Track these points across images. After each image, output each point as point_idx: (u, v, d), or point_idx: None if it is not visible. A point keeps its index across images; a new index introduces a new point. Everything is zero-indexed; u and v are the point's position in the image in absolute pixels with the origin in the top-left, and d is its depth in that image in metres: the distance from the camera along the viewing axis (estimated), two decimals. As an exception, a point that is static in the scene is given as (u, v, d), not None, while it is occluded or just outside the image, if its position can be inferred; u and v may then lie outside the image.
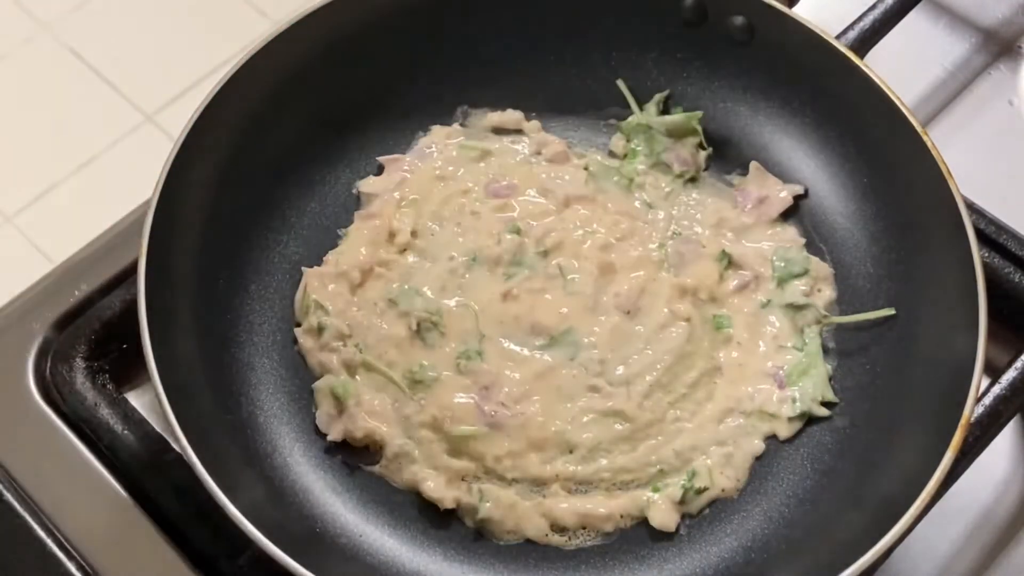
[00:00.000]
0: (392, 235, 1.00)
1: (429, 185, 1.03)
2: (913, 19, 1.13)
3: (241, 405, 0.92)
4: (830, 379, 0.94)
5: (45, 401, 0.95)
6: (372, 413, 0.92)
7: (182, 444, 0.80)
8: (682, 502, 0.89)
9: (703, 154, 1.05)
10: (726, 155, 1.05)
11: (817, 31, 0.97)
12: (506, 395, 0.92)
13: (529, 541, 0.89)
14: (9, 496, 0.90)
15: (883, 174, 0.98)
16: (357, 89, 1.04)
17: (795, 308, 0.97)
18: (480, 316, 0.96)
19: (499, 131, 1.07)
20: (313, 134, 1.03)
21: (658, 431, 0.92)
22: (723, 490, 0.90)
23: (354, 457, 0.92)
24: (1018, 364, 0.93)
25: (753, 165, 1.03)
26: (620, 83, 1.07)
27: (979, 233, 0.94)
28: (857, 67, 0.95)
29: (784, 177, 1.03)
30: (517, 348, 0.95)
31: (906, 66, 1.18)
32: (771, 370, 0.95)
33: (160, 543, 0.88)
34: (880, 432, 0.89)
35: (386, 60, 1.04)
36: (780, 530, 0.88)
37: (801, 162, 1.03)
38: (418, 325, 0.95)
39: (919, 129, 0.92)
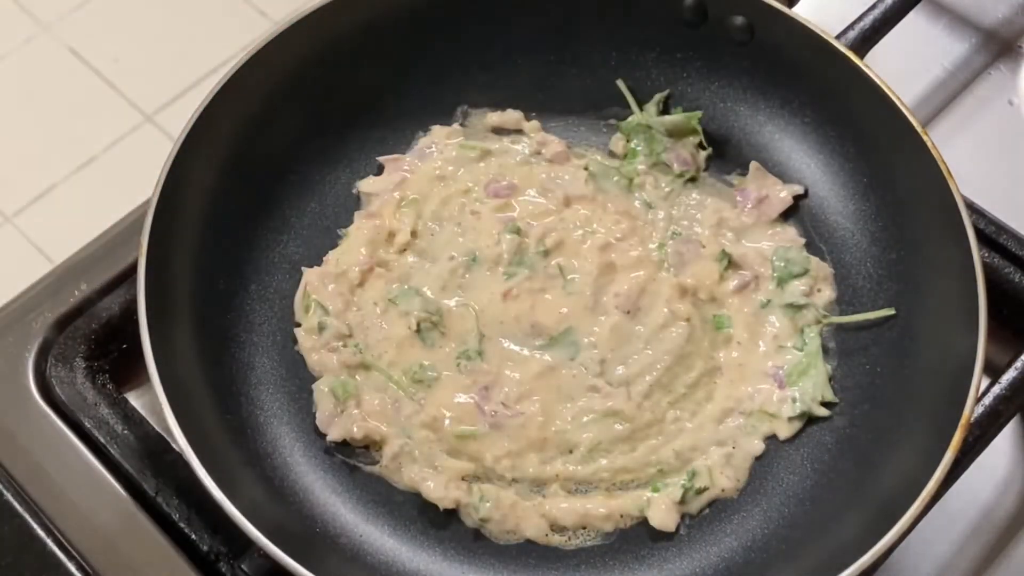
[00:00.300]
0: (392, 235, 1.00)
1: (429, 185, 1.03)
2: (913, 19, 1.13)
3: (241, 405, 0.92)
4: (830, 379, 0.94)
5: (45, 401, 0.95)
6: (372, 413, 0.92)
7: (182, 444, 0.80)
8: (682, 502, 0.89)
9: (703, 154, 1.05)
10: (726, 155, 1.05)
11: (817, 31, 0.97)
12: (506, 395, 0.92)
13: (529, 541, 0.89)
14: (9, 496, 0.90)
15: (883, 174, 0.97)
16: (357, 89, 1.04)
17: (795, 308, 0.97)
18: (480, 316, 0.96)
19: (499, 131, 1.07)
20: (313, 134, 1.03)
21: (658, 431, 0.92)
22: (723, 490, 0.90)
23: (354, 457, 0.92)
24: (1018, 364, 0.93)
25: (753, 165, 1.03)
26: (620, 83, 1.07)
27: (979, 233, 0.94)
28: (857, 67, 0.95)
29: (784, 177, 1.03)
30: (517, 348, 0.95)
31: (906, 66, 1.18)
32: (771, 370, 0.95)
33: (160, 543, 0.88)
34: (880, 432, 0.89)
35: (386, 60, 1.04)
36: (780, 530, 0.88)
37: (801, 162, 1.03)
38: (418, 325, 0.95)
39: (919, 129, 0.92)
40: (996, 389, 0.92)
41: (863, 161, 0.99)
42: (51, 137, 2.43)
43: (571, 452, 0.91)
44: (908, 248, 0.95)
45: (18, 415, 0.94)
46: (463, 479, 0.90)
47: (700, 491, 0.90)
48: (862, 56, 1.05)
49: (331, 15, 1.00)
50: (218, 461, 0.82)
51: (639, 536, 0.89)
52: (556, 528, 0.89)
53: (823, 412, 0.92)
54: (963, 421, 0.80)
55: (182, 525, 0.89)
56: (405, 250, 1.00)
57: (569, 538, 0.89)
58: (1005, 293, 0.98)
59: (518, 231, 1.00)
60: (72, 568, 0.87)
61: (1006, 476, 0.97)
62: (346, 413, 0.92)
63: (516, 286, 0.97)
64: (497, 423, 0.91)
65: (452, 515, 0.90)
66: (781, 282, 0.98)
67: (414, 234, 1.00)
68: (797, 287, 0.98)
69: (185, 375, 0.87)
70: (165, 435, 0.93)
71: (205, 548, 0.88)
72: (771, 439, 0.93)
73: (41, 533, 0.88)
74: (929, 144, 0.91)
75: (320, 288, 0.97)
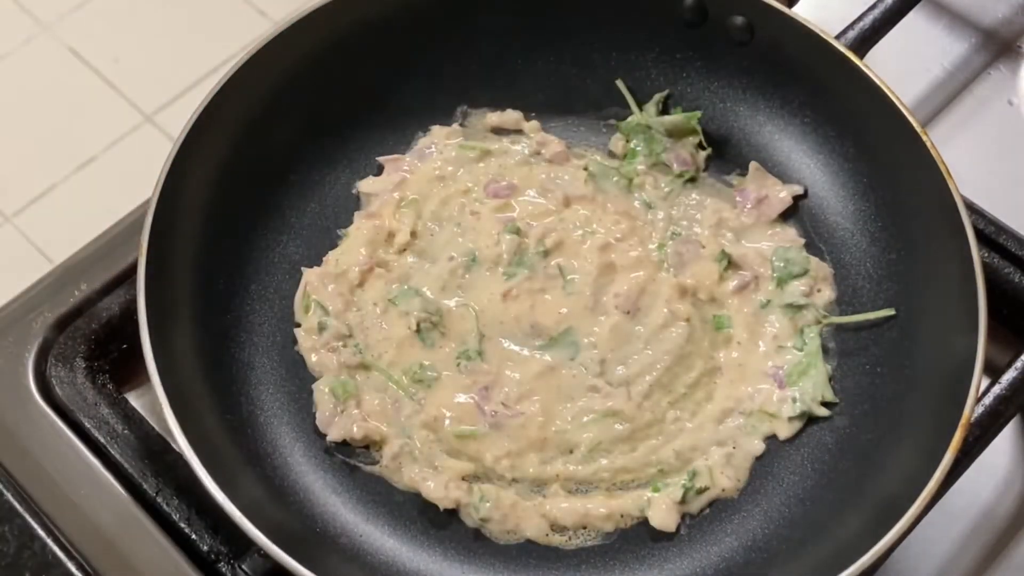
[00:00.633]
0: (392, 235, 1.00)
1: (429, 185, 1.03)
2: (913, 19, 1.13)
3: (241, 405, 0.92)
4: (830, 379, 0.94)
5: (45, 401, 0.95)
6: (372, 413, 0.92)
7: (182, 444, 0.80)
8: (682, 502, 0.89)
9: (703, 154, 1.05)
10: (726, 155, 1.05)
11: (817, 31, 0.97)
12: (506, 395, 0.92)
13: (529, 541, 0.89)
14: (9, 496, 0.90)
15: (883, 174, 0.97)
16: (357, 89, 1.04)
17: (795, 308, 0.97)
18: (480, 316, 0.96)
19: (499, 131, 1.07)
20: (313, 134, 1.03)
21: (658, 431, 0.92)
22: (723, 490, 0.90)
23: (354, 457, 0.92)
24: (1018, 364, 0.93)
25: (753, 165, 1.03)
26: (620, 83, 1.07)
27: (979, 233, 0.94)
28: (857, 67, 0.95)
29: (784, 177, 1.03)
30: (517, 348, 0.95)
31: (906, 66, 1.18)
32: (771, 370, 0.95)
33: (160, 543, 0.88)
34: (880, 432, 0.89)
35: (386, 60, 1.04)
36: (780, 530, 0.88)
37: (801, 162, 1.03)
38: (418, 325, 0.95)
39: (919, 129, 0.92)
40: (996, 389, 0.92)
41: (863, 161, 0.99)
42: (51, 137, 2.43)
43: (571, 452, 0.91)
44: (908, 248, 0.95)
45: (18, 415, 0.94)
46: (463, 479, 0.90)
47: (700, 491, 0.90)
48: (862, 56, 1.05)
49: (331, 15, 1.00)
50: (218, 461, 0.82)
51: (639, 536, 0.89)
52: (556, 528, 0.89)
53: (823, 412, 0.92)
54: (963, 421, 0.80)
55: (182, 525, 0.89)
56: (405, 250, 1.00)
57: (569, 538, 0.89)
58: (1005, 293, 0.98)
59: (518, 231, 1.00)
60: (72, 568, 0.87)
61: (1006, 476, 0.97)
62: (346, 413, 0.92)
63: (516, 286, 0.97)
64: (497, 423, 0.91)
65: (452, 515, 0.90)
66: (781, 282, 0.98)
67: (414, 234, 1.00)
68: (797, 287, 0.98)
69: (185, 375, 0.87)
70: (165, 435, 0.93)
71: (205, 548, 0.88)
72: (771, 439, 0.93)
73: (41, 533, 0.88)
74: (929, 144, 0.91)
75: (320, 288, 0.97)
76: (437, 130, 1.06)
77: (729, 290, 0.98)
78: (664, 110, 1.06)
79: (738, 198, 1.03)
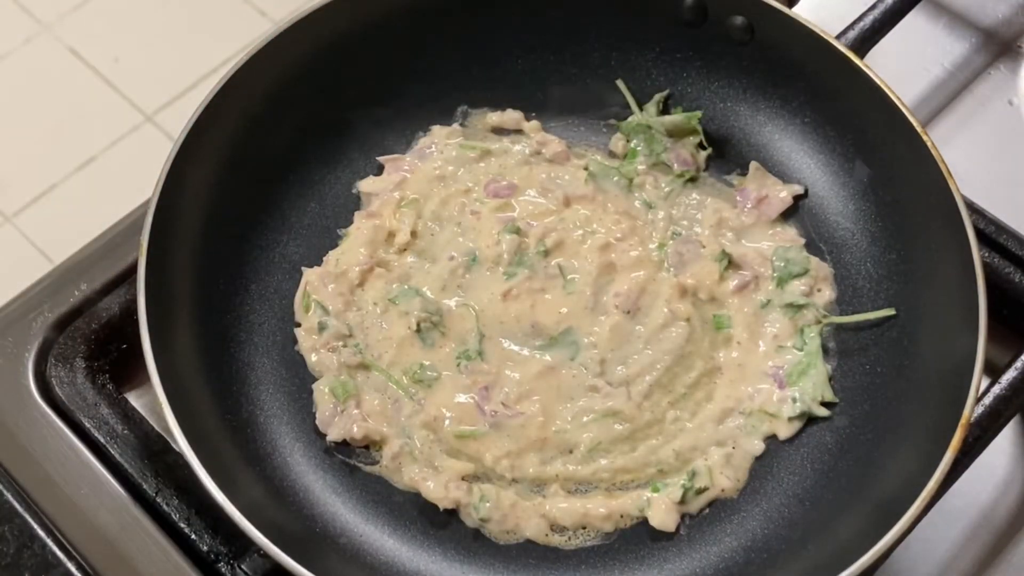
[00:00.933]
0: (392, 235, 1.00)
1: (429, 185, 1.03)
2: (913, 19, 1.13)
3: (241, 405, 0.92)
4: (830, 379, 0.94)
5: (45, 401, 0.95)
6: (372, 413, 0.92)
7: (182, 444, 0.80)
8: (682, 502, 0.89)
9: (703, 154, 1.05)
10: (726, 155, 1.05)
11: (817, 31, 0.97)
12: (506, 395, 0.92)
13: (529, 541, 0.89)
14: (9, 496, 0.90)
15: (883, 174, 0.97)
16: (357, 89, 1.04)
17: (795, 308, 0.97)
18: (480, 316, 0.96)
19: (499, 131, 1.07)
20: (313, 134, 1.03)
21: (658, 431, 0.92)
22: (723, 490, 0.90)
23: (354, 457, 0.92)
24: (1018, 364, 0.93)
25: (753, 165, 1.03)
26: (620, 83, 1.07)
27: (979, 233, 0.94)
28: (857, 67, 0.95)
29: (784, 177, 1.03)
30: (517, 348, 0.95)
31: (906, 66, 1.18)
32: (771, 370, 0.95)
33: (160, 543, 0.88)
34: (880, 432, 0.89)
35: (386, 60, 1.04)
36: (780, 530, 0.88)
37: (801, 162, 1.03)
38: (418, 325, 0.95)
39: (919, 129, 0.92)
40: (996, 389, 0.92)
41: (863, 161, 0.99)
42: (51, 137, 2.43)
43: (571, 452, 0.91)
44: (908, 248, 0.95)
45: (18, 415, 0.94)
46: (463, 479, 0.90)
47: (700, 491, 0.90)
48: (862, 56, 1.05)
49: (331, 15, 1.00)
50: (218, 461, 0.82)
51: (639, 536, 0.89)
52: (556, 528, 0.89)
53: (823, 412, 0.92)
54: (963, 421, 0.80)
55: (182, 525, 0.89)
56: (405, 250, 1.00)
57: (569, 538, 0.89)
58: (1005, 293, 0.98)
59: (518, 231, 1.00)
60: (72, 568, 0.87)
61: (1006, 476, 0.97)
62: (346, 413, 0.92)
63: (516, 286, 0.97)
64: (497, 423, 0.91)
65: (452, 515, 0.90)
66: (781, 282, 0.98)
67: (414, 234, 1.00)
68: (797, 287, 0.98)
69: (185, 375, 0.87)
70: (165, 435, 0.93)
71: (205, 548, 0.88)
72: (771, 439, 0.93)
73: (41, 533, 0.88)
74: (929, 144, 0.91)
75: (320, 288, 0.97)
76: (437, 130, 1.06)
77: (729, 290, 0.98)
78: (664, 110, 1.06)
79: (738, 198, 1.03)
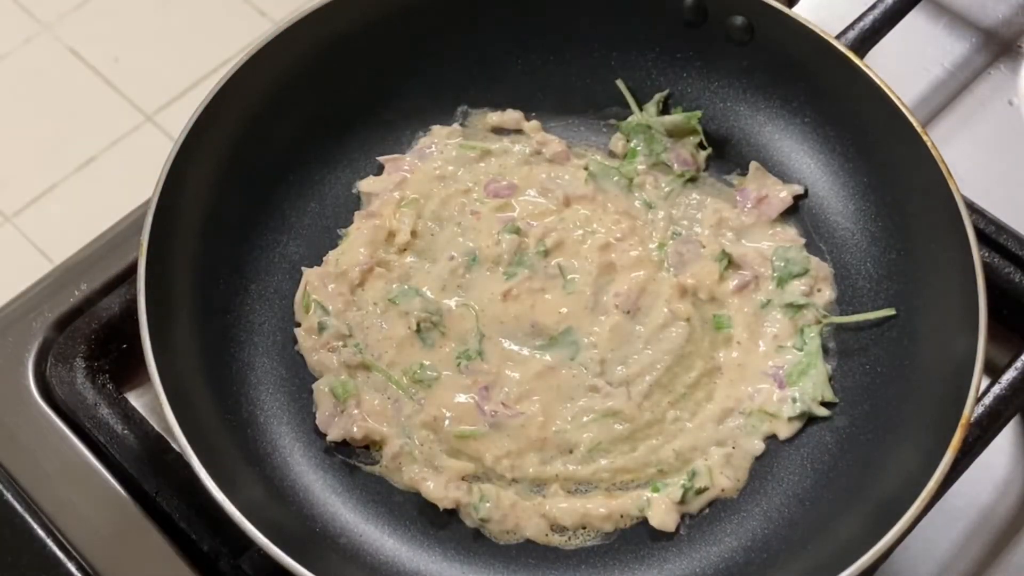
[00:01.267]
0: (392, 235, 1.00)
1: (429, 185, 1.03)
2: (913, 19, 1.13)
3: (241, 405, 0.92)
4: (830, 379, 0.94)
5: (45, 401, 0.95)
6: (372, 413, 0.92)
7: (182, 444, 0.80)
8: (682, 502, 0.89)
9: (703, 154, 1.05)
10: (726, 155, 1.05)
11: (817, 31, 0.97)
12: (506, 395, 0.92)
13: (529, 541, 0.89)
14: (9, 496, 0.90)
15: (883, 174, 0.97)
16: (357, 89, 1.04)
17: (795, 308, 0.97)
18: (480, 316, 0.96)
19: (499, 131, 1.07)
20: (313, 134, 1.03)
21: (658, 431, 0.92)
22: (723, 490, 0.90)
23: (354, 457, 0.92)
24: (1018, 364, 0.93)
25: (753, 165, 1.03)
26: (620, 83, 1.07)
27: (979, 233, 0.94)
28: (857, 67, 0.95)
29: (784, 177, 1.03)
30: (517, 348, 0.95)
31: (906, 66, 1.18)
32: (771, 370, 0.95)
33: (160, 543, 0.88)
34: (880, 432, 0.89)
35: (386, 60, 1.04)
36: (780, 530, 0.88)
37: (801, 162, 1.03)
38: (418, 325, 0.95)
39: (919, 129, 0.92)
40: (996, 389, 0.92)
41: (863, 161, 0.99)
42: (51, 137, 2.43)
43: (571, 452, 0.91)
44: (908, 248, 0.95)
45: (18, 415, 0.94)
46: (463, 479, 0.90)
47: (700, 491, 0.90)
48: (862, 56, 1.05)
49: (331, 15, 1.00)
50: (218, 461, 0.82)
51: (639, 536, 0.89)
52: (556, 528, 0.89)
53: (823, 412, 0.92)
54: (963, 421, 0.80)
55: (182, 525, 0.89)
56: (405, 250, 1.00)
57: (569, 538, 0.89)
58: (1005, 293, 0.98)
59: (518, 231, 1.00)
60: (72, 568, 0.87)
61: (1006, 476, 0.97)
62: (346, 413, 0.92)
63: (516, 286, 0.97)
64: (497, 423, 0.91)
65: (452, 515, 0.90)
66: (781, 282, 0.98)
67: (414, 234, 1.00)
68: (797, 287, 0.98)
69: (185, 375, 0.87)
70: (165, 435, 0.93)
71: (205, 548, 0.88)
72: (771, 439, 0.93)
73: (41, 533, 0.88)
74: (929, 144, 0.91)
75: (320, 288, 0.97)
76: (437, 130, 1.06)
77: (729, 290, 0.98)
78: (664, 110, 1.06)
79: (738, 198, 1.03)
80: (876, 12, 1.10)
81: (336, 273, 0.98)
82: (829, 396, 0.93)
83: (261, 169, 1.00)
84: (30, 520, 0.89)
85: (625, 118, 1.07)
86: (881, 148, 0.97)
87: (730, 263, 0.99)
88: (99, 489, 0.91)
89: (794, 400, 0.93)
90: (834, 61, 0.97)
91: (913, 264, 0.94)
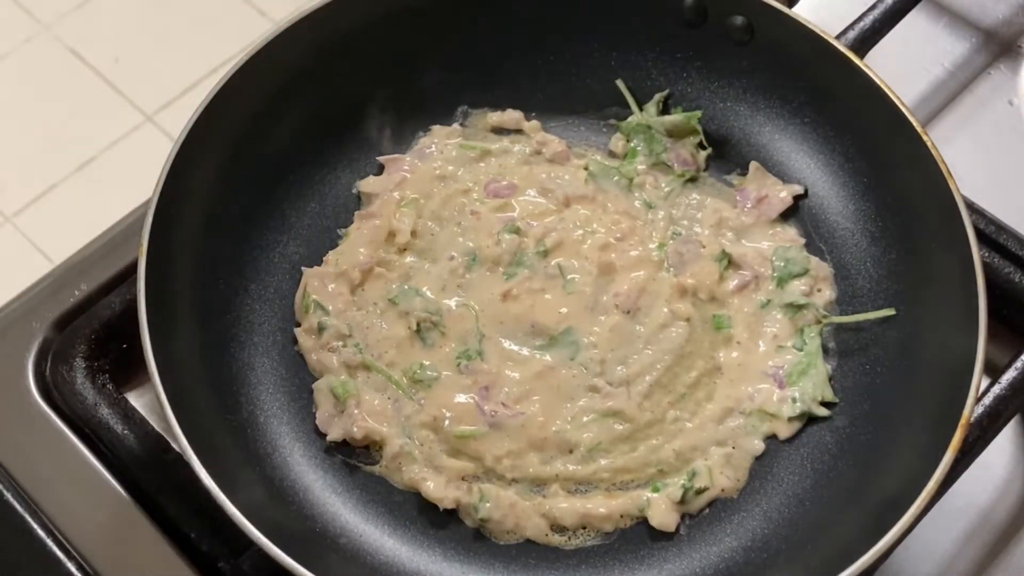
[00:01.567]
0: (392, 235, 1.00)
1: (429, 185, 1.03)
2: (913, 19, 1.13)
3: (241, 405, 0.92)
4: (830, 379, 0.94)
5: (45, 401, 0.95)
6: (372, 413, 0.92)
7: (182, 444, 0.80)
8: (682, 502, 0.89)
9: (703, 154, 1.05)
10: (726, 155, 1.05)
11: (817, 31, 0.97)
12: (506, 395, 0.92)
13: (529, 541, 0.89)
14: (9, 496, 0.90)
15: (883, 174, 0.97)
16: (357, 89, 1.04)
17: (795, 308, 0.97)
18: (480, 316, 0.96)
19: (499, 131, 1.07)
20: (313, 134, 1.03)
21: (658, 431, 0.92)
22: (723, 490, 0.90)
23: (354, 457, 0.92)
24: (1018, 364, 0.93)
25: (753, 165, 1.03)
26: (620, 83, 1.07)
27: (979, 233, 0.94)
28: (857, 67, 0.95)
29: (784, 177, 1.03)
30: (517, 348, 0.95)
31: (906, 66, 1.18)
32: (771, 370, 0.95)
33: (160, 543, 0.88)
34: (880, 432, 0.89)
35: (386, 60, 1.04)
36: (780, 530, 0.88)
37: (801, 162, 1.03)
38: (418, 325, 0.95)
39: (919, 129, 0.92)
40: (996, 389, 0.92)
41: (863, 161, 0.99)
42: (51, 137, 2.43)
43: (571, 452, 0.91)
44: (908, 248, 0.95)
45: (18, 415, 0.94)
46: (463, 479, 0.90)
47: (700, 491, 0.90)
48: (862, 56, 1.05)
49: (331, 15, 1.00)
50: (218, 461, 0.82)
51: (639, 536, 0.89)
52: (556, 528, 0.89)
53: (823, 412, 0.92)
54: (963, 421, 0.80)
55: (182, 525, 0.89)
56: (405, 250, 1.00)
57: (569, 538, 0.89)
58: (1005, 293, 0.98)
59: (518, 231, 1.00)
60: (72, 568, 0.87)
61: (1006, 476, 0.97)
62: (346, 413, 0.92)
63: (516, 286, 0.97)
64: (497, 423, 0.91)
65: (452, 515, 0.90)
66: (781, 282, 0.98)
67: (414, 234, 1.00)
68: (797, 287, 0.98)
69: (185, 375, 0.87)
70: (165, 435, 0.93)
71: (205, 548, 0.88)
72: (771, 439, 0.93)
73: (41, 533, 0.88)
74: (929, 144, 0.91)
75: (320, 288, 0.97)
76: (437, 130, 1.06)
77: (729, 290, 0.98)
78: (664, 110, 1.07)
79: (738, 198, 1.03)
80: (876, 12, 1.10)
81: (336, 273, 0.98)
82: (829, 396, 0.93)
83: (261, 169, 1.00)
84: (30, 520, 0.89)
85: (625, 118, 1.07)
86: (881, 148, 0.97)
87: (730, 263, 0.99)
88: (99, 489, 0.91)
89: (794, 400, 0.93)
90: (834, 61, 0.97)
91: (913, 264, 0.94)
